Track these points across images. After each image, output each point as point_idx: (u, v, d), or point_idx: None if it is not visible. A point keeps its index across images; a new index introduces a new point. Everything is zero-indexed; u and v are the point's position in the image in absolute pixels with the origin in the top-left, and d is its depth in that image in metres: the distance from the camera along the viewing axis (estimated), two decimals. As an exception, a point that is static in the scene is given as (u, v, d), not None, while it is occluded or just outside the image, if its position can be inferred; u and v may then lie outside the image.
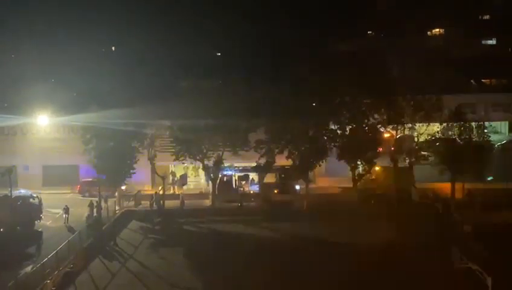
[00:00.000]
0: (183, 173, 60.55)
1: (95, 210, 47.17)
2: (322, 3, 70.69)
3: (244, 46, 61.10)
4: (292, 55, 57.17)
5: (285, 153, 52.77)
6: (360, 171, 52.83)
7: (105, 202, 49.79)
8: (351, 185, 52.79)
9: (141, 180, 56.73)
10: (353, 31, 72.74)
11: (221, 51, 66.14)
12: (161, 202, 52.77)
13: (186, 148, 52.60)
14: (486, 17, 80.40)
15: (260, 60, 56.05)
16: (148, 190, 57.75)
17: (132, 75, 51.56)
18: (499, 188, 50.57)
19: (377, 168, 53.58)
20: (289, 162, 53.40)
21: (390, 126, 52.76)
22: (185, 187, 58.91)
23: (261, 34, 63.92)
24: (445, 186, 50.73)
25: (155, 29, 62.23)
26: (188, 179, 60.94)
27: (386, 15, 75.19)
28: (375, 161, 52.21)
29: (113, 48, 67.17)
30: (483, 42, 78.82)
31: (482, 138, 49.45)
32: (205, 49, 61.93)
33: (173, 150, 53.55)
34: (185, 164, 57.79)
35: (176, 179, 59.76)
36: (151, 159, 54.99)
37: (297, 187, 54.40)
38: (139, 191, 55.08)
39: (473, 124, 49.73)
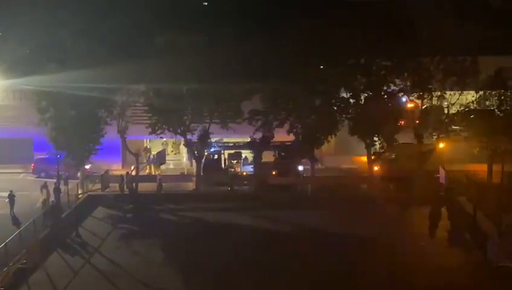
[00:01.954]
0: (160, 149, 60.35)
1: (52, 194, 46.93)
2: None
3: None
4: (295, 4, 56.40)
5: (286, 127, 52.61)
6: (377, 149, 52.68)
7: (65, 184, 49.62)
8: (365, 165, 52.72)
9: (109, 158, 56.61)
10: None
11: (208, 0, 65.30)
12: (134, 184, 52.65)
13: (164, 119, 52.36)
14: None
15: (256, 9, 55.28)
16: (117, 169, 57.65)
17: (98, 27, 50.86)
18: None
19: (397, 145, 53.36)
20: (291, 137, 53.20)
21: (415, 94, 52.53)
22: (163, 167, 58.84)
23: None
24: (482, 169, 50.62)
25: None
26: (167, 157, 60.80)
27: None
28: (395, 136, 52.01)
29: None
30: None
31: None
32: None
33: (149, 121, 53.27)
34: (164, 139, 57.55)
35: (151, 156, 59.58)
36: (122, 133, 54.71)
37: (300, 168, 54.28)
38: (106, 171, 54.98)
39: (516, 92, 49.46)
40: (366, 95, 52.58)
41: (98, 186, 53.54)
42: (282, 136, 53.98)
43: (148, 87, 51.91)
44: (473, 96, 50.73)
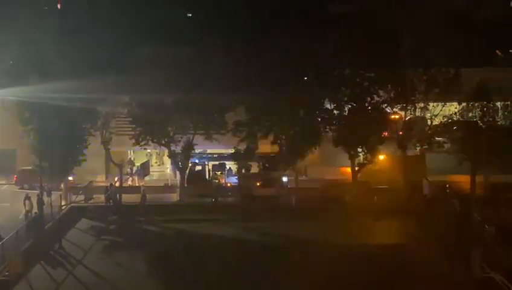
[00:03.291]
0: (144, 160, 60.35)
1: (35, 206, 46.80)
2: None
3: (220, 4, 60.67)
4: (279, 16, 56.89)
5: (270, 138, 52.82)
6: (361, 160, 53.04)
7: (49, 195, 49.39)
8: (349, 176, 53.07)
9: (93, 170, 56.55)
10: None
11: (192, 11, 65.58)
12: (117, 196, 52.59)
13: (148, 130, 52.45)
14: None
15: (240, 21, 55.68)
16: (101, 181, 57.50)
17: (83, 38, 50.91)
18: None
19: (381, 156, 53.82)
20: (275, 148, 53.41)
21: (398, 106, 52.98)
22: (146, 178, 58.77)
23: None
24: (464, 180, 51.12)
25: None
26: (151, 169, 60.77)
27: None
28: (379, 147, 52.42)
29: (58, 6, 66.27)
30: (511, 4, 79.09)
31: (509, 121, 49.80)
32: (173, 9, 61.32)
33: (132, 133, 53.28)
34: (148, 150, 57.56)
35: (136, 168, 59.53)
36: (106, 144, 54.64)
37: (285, 179, 54.51)
38: (90, 182, 54.86)
39: (498, 104, 50.01)
40: (350, 106, 52.95)
41: (82, 197, 53.41)
42: (266, 147, 54.14)
43: (132, 98, 51.99)
44: (456, 108, 51.23)
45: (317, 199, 52.22)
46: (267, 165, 55.29)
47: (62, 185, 52.99)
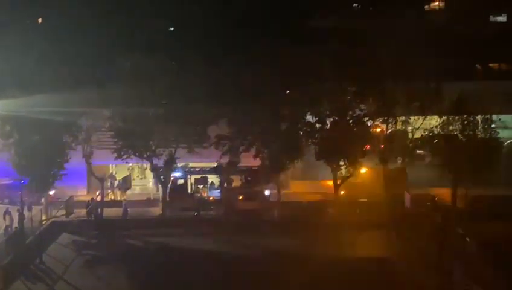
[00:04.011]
0: (126, 174, 60.12)
1: (15, 220, 46.43)
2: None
3: (203, 17, 60.97)
4: (261, 30, 57.23)
5: (253, 151, 52.88)
6: (343, 173, 53.27)
7: (29, 210, 49.07)
8: (331, 190, 53.24)
9: (74, 184, 56.17)
10: (336, 4, 73.29)
11: (175, 25, 65.81)
12: (99, 210, 52.34)
13: (130, 144, 52.26)
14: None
15: (223, 34, 56.01)
16: (82, 195, 57.20)
17: (64, 51, 50.83)
18: (509, 194, 51.51)
19: (363, 169, 54.09)
20: (257, 162, 53.50)
21: (380, 119, 53.35)
22: (128, 192, 58.51)
23: (225, 3, 63.91)
24: (446, 192, 51.49)
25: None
26: (133, 182, 60.57)
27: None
28: (361, 161, 52.70)
29: (39, 19, 66.14)
30: (491, 19, 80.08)
31: (488, 134, 50.32)
32: (155, 22, 61.54)
33: (114, 146, 53.13)
34: (130, 164, 57.40)
35: (117, 182, 59.27)
36: (87, 158, 54.42)
37: (267, 193, 54.57)
38: (71, 197, 54.46)
39: (478, 117, 50.55)
40: (332, 119, 53.21)
41: (63, 212, 53.04)
42: (248, 160, 54.17)
43: (114, 111, 51.88)
44: (437, 121, 51.71)
45: (299, 212, 52.24)
46: (249, 178, 55.30)
47: (43, 200, 52.61)
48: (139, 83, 49.71)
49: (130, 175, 60.15)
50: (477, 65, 75.42)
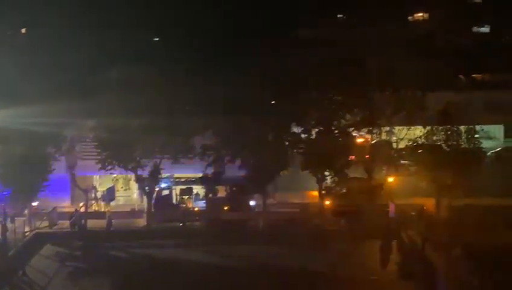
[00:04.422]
0: (111, 185, 59.88)
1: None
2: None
3: (188, 28, 61.03)
4: (247, 40, 57.41)
5: (238, 162, 52.85)
6: (329, 183, 53.39)
7: (12, 221, 48.74)
8: (317, 200, 53.35)
9: (58, 195, 55.85)
10: (322, 14, 73.66)
11: (160, 35, 65.82)
12: (83, 221, 52.05)
13: (114, 155, 52.12)
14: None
15: (208, 44, 56.10)
16: (66, 206, 56.89)
17: (47, 61, 50.72)
18: (492, 204, 51.84)
19: (348, 179, 54.21)
20: (242, 172, 53.49)
21: (365, 129, 53.60)
22: (112, 203, 58.23)
23: (209, 14, 64.07)
24: (430, 202, 51.72)
25: (77, 5, 61.58)
26: (117, 193, 60.32)
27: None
28: (346, 171, 52.85)
29: (23, 29, 65.96)
30: (474, 30, 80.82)
31: (472, 145, 50.69)
32: (140, 32, 61.56)
33: (99, 157, 52.94)
34: (114, 175, 57.19)
35: (101, 192, 58.99)
36: (71, 169, 54.18)
37: (253, 203, 54.57)
38: (54, 208, 54.21)
39: (462, 127, 50.92)
40: (317, 130, 53.38)
41: (46, 223, 52.73)
42: (234, 171, 54.17)
43: (98, 122, 51.75)
44: (421, 132, 52.04)
45: (285, 222, 52.23)
46: (234, 189, 55.26)
47: (26, 211, 52.25)
48: (124, 93, 49.64)
49: (114, 186, 59.91)
50: (460, 76, 75.94)
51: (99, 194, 58.95)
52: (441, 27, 75.41)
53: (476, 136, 51.53)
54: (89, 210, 54.65)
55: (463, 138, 50.75)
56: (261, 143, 52.17)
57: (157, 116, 49.75)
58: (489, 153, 58.50)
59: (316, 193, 54.62)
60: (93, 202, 57.52)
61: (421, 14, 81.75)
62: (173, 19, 63.82)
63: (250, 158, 52.78)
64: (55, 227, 52.62)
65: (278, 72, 51.07)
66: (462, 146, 50.59)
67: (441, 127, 50.85)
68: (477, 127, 52.97)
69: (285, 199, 58.52)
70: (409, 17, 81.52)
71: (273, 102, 53.93)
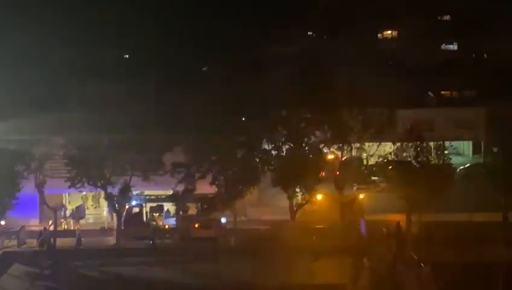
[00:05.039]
0: (80, 203, 59.42)
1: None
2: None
3: (159, 45, 61.07)
4: (217, 57, 57.64)
5: (209, 179, 52.86)
6: (299, 200, 53.57)
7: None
8: (288, 217, 53.44)
9: (26, 213, 55.26)
10: (291, 32, 74.17)
11: (129, 52, 65.70)
12: (52, 240, 51.53)
13: (84, 172, 51.83)
14: (446, 17, 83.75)
15: (179, 61, 56.14)
16: (35, 225, 56.28)
17: (14, 77, 50.40)
18: (462, 220, 52.36)
19: (319, 196, 54.48)
20: (213, 189, 53.47)
21: (335, 146, 53.96)
22: (82, 221, 57.75)
23: (179, 33, 64.21)
24: (401, 218, 52.06)
25: (45, 21, 61.30)
26: (87, 211, 59.84)
27: (330, 14, 77.23)
28: (316, 187, 53.11)
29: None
30: (442, 47, 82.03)
31: (441, 161, 51.28)
32: (110, 49, 61.36)
33: (68, 175, 52.57)
34: (83, 192, 56.81)
35: (71, 210, 58.47)
36: (40, 187, 53.70)
37: (223, 220, 54.51)
38: (23, 226, 53.56)
39: (432, 144, 51.50)
40: (288, 146, 53.62)
41: (14, 242, 52.09)
42: (204, 188, 54.10)
43: (68, 139, 51.44)
44: (391, 148, 52.51)
45: (255, 239, 52.25)
46: (205, 206, 55.15)
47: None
48: (93, 110, 49.45)
49: (83, 204, 59.46)
50: (429, 93, 76.99)
51: (68, 212, 58.39)
52: (410, 45, 76.47)
53: (446, 152, 52.15)
54: (58, 228, 54.08)
55: (432, 154, 51.28)
56: (231, 160, 52.24)
57: (127, 134, 49.59)
58: (458, 169, 59.24)
59: (287, 210, 54.67)
60: (62, 220, 56.96)
61: (390, 32, 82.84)
62: (144, 35, 63.79)
63: (220, 175, 52.75)
64: (24, 246, 51.96)
65: (248, 89, 51.24)
66: (432, 162, 51.09)
67: (410, 144, 51.31)
68: (447, 144, 53.68)
69: (256, 215, 58.55)
70: (379, 35, 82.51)
71: (243, 119, 54.08)
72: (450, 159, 52.52)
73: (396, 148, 51.88)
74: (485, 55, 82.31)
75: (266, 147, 54.16)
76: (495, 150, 56.23)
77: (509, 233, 48.07)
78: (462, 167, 66.19)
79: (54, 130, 50.41)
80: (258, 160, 53.59)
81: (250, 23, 67.31)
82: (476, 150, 72.09)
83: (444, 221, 51.94)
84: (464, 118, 68.49)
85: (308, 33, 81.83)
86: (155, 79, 51.91)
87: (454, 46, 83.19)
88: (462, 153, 68.46)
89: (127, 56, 64.06)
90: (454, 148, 57.87)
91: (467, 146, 72.43)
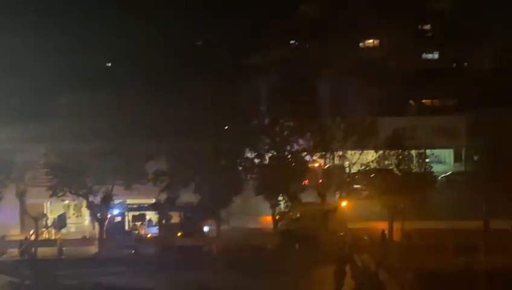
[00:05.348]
0: (62, 212, 59.02)
1: None
2: (235, 6, 72.05)
3: (139, 53, 61.11)
4: (199, 65, 57.74)
5: (192, 187, 52.75)
6: (283, 208, 53.58)
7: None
8: (271, 225, 53.44)
9: (7, 223, 54.80)
10: (273, 40, 74.46)
11: (111, 60, 65.66)
12: (33, 249, 51.10)
13: (65, 181, 51.52)
14: (427, 27, 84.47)
15: (160, 69, 56.22)
16: (16, 235, 55.81)
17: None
18: (443, 227, 52.68)
19: (302, 204, 54.49)
20: (196, 198, 53.37)
21: (318, 154, 54.09)
22: (63, 231, 57.35)
23: (161, 42, 64.31)
24: (383, 226, 52.27)
25: (23, 28, 61.11)
26: (69, 220, 59.47)
27: (312, 23, 77.57)
28: (299, 196, 53.16)
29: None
30: (423, 56, 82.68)
31: (423, 169, 51.60)
32: (92, 57, 61.31)
33: (49, 184, 52.23)
34: (65, 201, 56.48)
35: (52, 220, 58.08)
36: (21, 196, 53.29)
37: (207, 229, 54.39)
38: (3, 236, 53.18)
39: (413, 152, 51.83)
40: (271, 155, 53.67)
41: (-6, 252, 51.73)
42: (187, 196, 53.98)
43: (49, 148, 51.15)
44: (373, 156, 52.75)
45: (238, 248, 52.16)
46: (188, 215, 55.02)
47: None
48: (75, 118, 49.26)
49: (65, 213, 59.07)
50: (411, 101, 77.55)
51: (49, 222, 58.03)
52: (391, 53, 77.00)
53: (427, 160, 52.48)
54: (40, 238, 53.73)
55: (414, 162, 51.60)
56: (214, 168, 52.17)
57: (109, 142, 49.42)
58: (439, 177, 59.61)
59: (270, 218, 54.66)
60: (43, 229, 56.62)
61: (371, 41, 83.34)
62: (126, 44, 63.79)
63: (203, 183, 52.65)
64: (4, 256, 51.58)
65: (231, 97, 51.32)
66: (414, 170, 51.42)
67: (392, 152, 51.62)
68: (428, 152, 54.02)
69: (239, 224, 58.47)
70: (360, 44, 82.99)
71: (226, 127, 54.10)
72: (432, 167, 52.87)
73: (379, 157, 52.19)
74: (465, 64, 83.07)
75: (249, 155, 54.13)
76: (475, 158, 56.84)
77: (490, 241, 48.39)
78: (444, 175, 66.65)
79: (35, 139, 50.14)
80: (241, 168, 53.56)
81: (232, 32, 67.52)
82: (457, 158, 72.68)
83: (426, 228, 52.25)
84: (445, 126, 69.03)
85: (291, 42, 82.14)
86: (138, 87, 51.82)
87: (435, 55, 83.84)
88: (443, 161, 68.93)
89: (109, 64, 64.00)
90: (436, 157, 58.20)
91: (448, 154, 72.95)
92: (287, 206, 53.43)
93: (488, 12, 73.60)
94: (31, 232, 53.74)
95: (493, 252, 46.93)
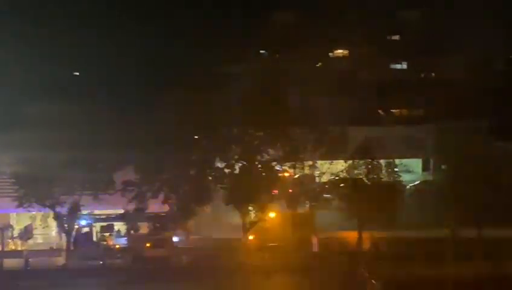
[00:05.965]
0: (28, 223, 58.29)
1: None
2: (205, 16, 72.00)
3: (110, 64, 60.75)
4: (168, 78, 57.53)
5: (161, 198, 52.46)
6: (252, 218, 53.52)
7: None
8: (241, 234, 53.34)
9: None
10: (243, 50, 74.43)
11: (79, 70, 65.12)
12: (-2, 261, 50.47)
13: (32, 191, 50.95)
14: (396, 37, 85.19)
15: (130, 79, 55.98)
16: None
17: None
18: (412, 236, 52.94)
19: (271, 214, 54.50)
20: (165, 208, 53.07)
21: (288, 164, 54.13)
22: (30, 242, 56.63)
23: (131, 52, 64.00)
24: (353, 235, 52.45)
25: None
26: (35, 231, 58.74)
27: (281, 33, 77.74)
28: (269, 205, 53.15)
29: None
30: (391, 66, 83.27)
31: (392, 178, 51.93)
32: (59, 67, 60.77)
33: (15, 194, 51.58)
34: (32, 212, 55.79)
35: (18, 230, 57.32)
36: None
37: (176, 239, 54.07)
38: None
39: (382, 161, 52.15)
40: (241, 164, 53.60)
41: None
42: (156, 207, 53.66)
43: (15, 157, 50.54)
44: (343, 166, 52.95)
45: (207, 258, 51.94)
46: (157, 225, 54.68)
47: None
48: (43, 128, 48.75)
49: (31, 224, 58.34)
50: (380, 111, 77.92)
51: (16, 233, 57.24)
52: (361, 63, 77.42)
53: (396, 169, 52.82)
54: (5, 249, 52.99)
55: (383, 171, 51.92)
56: (183, 178, 51.97)
57: (76, 152, 48.98)
58: (408, 186, 60.01)
59: (240, 227, 54.54)
60: (9, 240, 55.84)
61: (341, 51, 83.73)
62: (95, 54, 63.35)
63: (172, 193, 52.40)
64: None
65: (201, 108, 51.22)
66: (383, 179, 51.72)
67: (361, 161, 51.86)
68: (397, 161, 54.37)
69: (208, 234, 58.23)
70: (330, 54, 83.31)
71: (196, 137, 53.94)
72: (400, 176, 53.22)
73: (348, 166, 52.39)
74: (433, 74, 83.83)
75: (219, 165, 53.99)
76: (443, 167, 57.31)
77: (457, 249, 48.79)
78: (412, 184, 67.06)
79: (1, 149, 49.51)
80: (210, 178, 53.41)
81: (201, 42, 67.44)
82: (425, 167, 73.12)
83: (394, 237, 52.47)
84: (414, 135, 69.40)
85: (261, 51, 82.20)
86: (106, 97, 51.49)
87: (403, 66, 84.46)
88: (412, 171, 69.22)
89: (77, 74, 63.49)
90: (405, 166, 58.50)
91: (416, 163, 73.29)
92: (256, 216, 53.35)
93: (456, 23, 74.41)
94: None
95: (460, 261, 47.40)
